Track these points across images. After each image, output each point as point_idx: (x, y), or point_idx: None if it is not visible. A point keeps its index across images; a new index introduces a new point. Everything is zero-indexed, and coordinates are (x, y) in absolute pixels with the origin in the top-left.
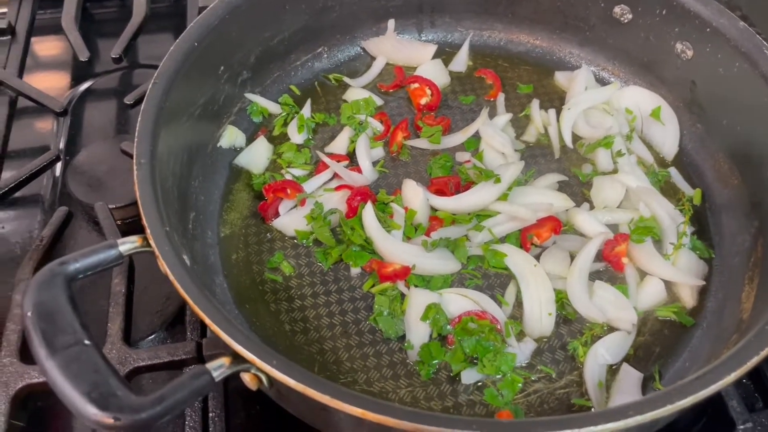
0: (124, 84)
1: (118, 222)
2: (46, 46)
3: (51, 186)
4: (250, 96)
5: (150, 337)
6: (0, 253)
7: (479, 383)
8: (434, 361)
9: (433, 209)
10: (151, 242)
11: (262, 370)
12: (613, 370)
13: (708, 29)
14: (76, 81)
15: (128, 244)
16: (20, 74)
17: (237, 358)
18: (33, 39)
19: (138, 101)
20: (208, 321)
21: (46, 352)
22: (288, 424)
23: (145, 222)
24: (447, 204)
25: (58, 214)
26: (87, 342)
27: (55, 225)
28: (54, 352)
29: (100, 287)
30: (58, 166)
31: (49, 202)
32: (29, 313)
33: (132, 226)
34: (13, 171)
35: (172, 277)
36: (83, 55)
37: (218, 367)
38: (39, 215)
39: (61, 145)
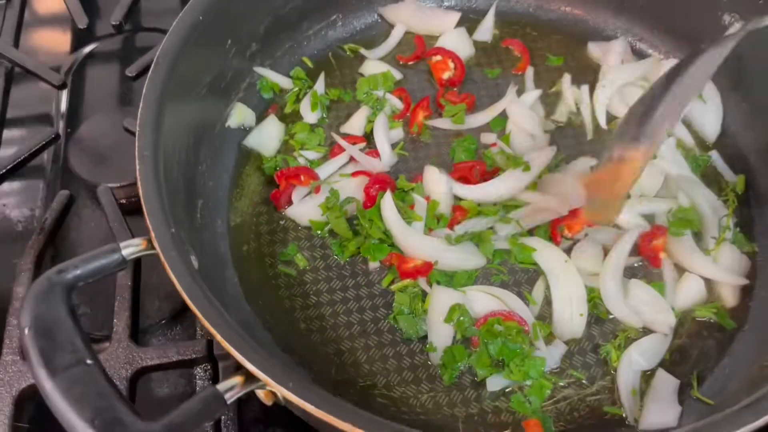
0: (127, 49)
1: (123, 201)
2: (45, 6)
3: (53, 160)
4: (259, 70)
5: (158, 330)
6: (1, 233)
7: (506, 389)
8: (458, 365)
9: (457, 198)
10: (156, 245)
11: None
12: (647, 376)
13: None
14: (77, 44)
15: (132, 248)
16: (16, 43)
17: (251, 376)
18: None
19: (141, 73)
20: (226, 345)
21: (45, 373)
22: None
23: (149, 224)
24: (472, 193)
25: (59, 199)
26: (89, 361)
27: (56, 210)
28: (54, 373)
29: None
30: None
31: (50, 178)
32: (27, 330)
33: (137, 205)
34: (14, 138)
35: (183, 294)
36: (81, 22)
37: (230, 389)
38: (41, 191)
39: (63, 114)
